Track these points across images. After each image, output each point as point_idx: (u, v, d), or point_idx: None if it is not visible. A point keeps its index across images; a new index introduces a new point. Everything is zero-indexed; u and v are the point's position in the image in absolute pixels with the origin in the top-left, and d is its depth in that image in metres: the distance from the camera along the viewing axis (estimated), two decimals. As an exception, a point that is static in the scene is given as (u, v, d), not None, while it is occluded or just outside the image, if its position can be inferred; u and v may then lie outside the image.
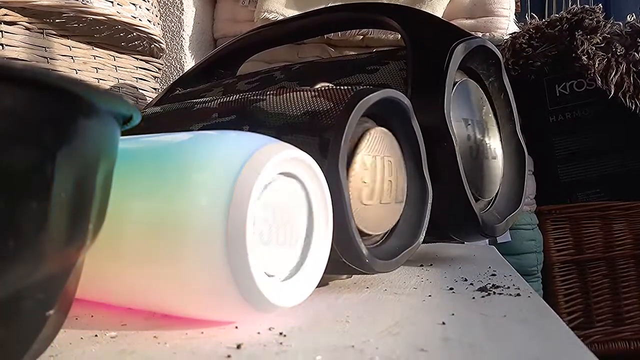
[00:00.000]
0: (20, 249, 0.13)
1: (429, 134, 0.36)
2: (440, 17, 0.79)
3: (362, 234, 0.31)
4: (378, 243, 0.33)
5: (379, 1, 0.82)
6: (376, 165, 0.31)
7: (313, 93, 0.32)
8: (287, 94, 0.33)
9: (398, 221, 0.34)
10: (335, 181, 0.27)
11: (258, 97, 0.34)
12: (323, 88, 0.32)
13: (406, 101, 0.33)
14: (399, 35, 0.83)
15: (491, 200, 0.44)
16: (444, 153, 0.37)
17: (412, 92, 0.38)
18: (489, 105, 0.44)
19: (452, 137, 0.37)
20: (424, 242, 0.38)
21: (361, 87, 0.32)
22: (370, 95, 0.30)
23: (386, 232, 0.34)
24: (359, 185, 0.30)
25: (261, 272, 0.22)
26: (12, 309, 0.14)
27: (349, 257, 0.29)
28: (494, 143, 0.44)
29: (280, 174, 0.24)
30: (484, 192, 0.42)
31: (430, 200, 0.35)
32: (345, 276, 0.37)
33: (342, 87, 0.32)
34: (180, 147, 0.24)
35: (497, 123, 0.45)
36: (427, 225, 0.35)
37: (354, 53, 0.73)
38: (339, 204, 0.27)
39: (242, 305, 0.22)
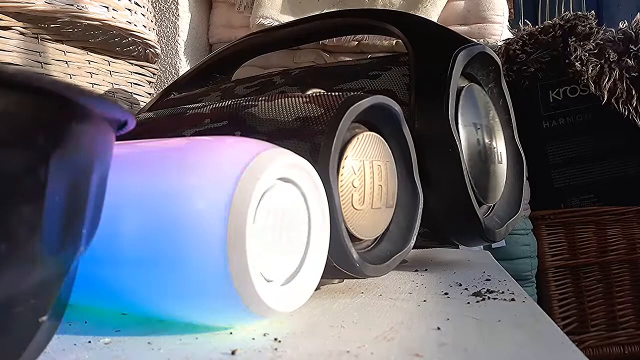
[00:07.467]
0: (13, 253, 0.13)
1: (433, 139, 0.37)
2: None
3: (355, 238, 0.31)
4: (369, 247, 0.33)
5: (374, 7, 0.82)
6: (364, 169, 0.31)
7: (304, 99, 0.32)
8: (279, 100, 0.33)
9: (389, 226, 0.34)
10: (325, 186, 0.28)
11: (250, 102, 0.34)
12: (314, 94, 0.33)
13: (396, 107, 0.33)
14: (394, 41, 0.84)
15: (492, 205, 0.44)
16: (449, 158, 0.37)
17: (415, 98, 0.38)
18: (494, 110, 0.44)
19: (457, 142, 0.37)
20: (423, 246, 0.38)
21: (352, 94, 0.32)
22: (361, 101, 0.31)
23: (377, 237, 0.34)
24: (349, 190, 0.31)
25: (260, 277, 0.22)
26: (4, 314, 0.14)
27: (340, 261, 0.29)
28: (501, 147, 0.44)
29: (279, 179, 0.24)
30: (489, 197, 0.42)
31: (421, 205, 0.35)
32: (337, 281, 0.37)
33: (333, 94, 0.32)
34: (178, 152, 0.24)
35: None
36: (418, 230, 0.35)
37: (349, 59, 0.73)
38: (329, 208, 0.27)
39: (242, 310, 0.22)
